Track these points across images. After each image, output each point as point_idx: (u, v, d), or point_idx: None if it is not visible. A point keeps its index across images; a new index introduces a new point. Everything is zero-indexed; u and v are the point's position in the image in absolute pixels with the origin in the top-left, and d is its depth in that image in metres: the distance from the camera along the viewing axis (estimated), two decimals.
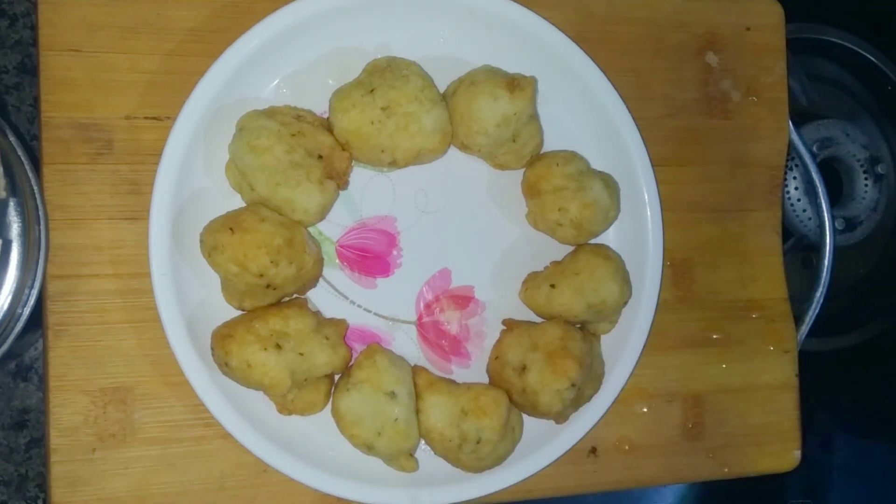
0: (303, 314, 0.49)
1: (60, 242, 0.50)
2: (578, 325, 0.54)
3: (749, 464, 0.62)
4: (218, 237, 0.46)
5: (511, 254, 0.56)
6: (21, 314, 0.48)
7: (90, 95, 0.51)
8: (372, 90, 0.49)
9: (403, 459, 0.50)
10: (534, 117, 0.53)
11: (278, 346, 0.47)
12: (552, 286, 0.53)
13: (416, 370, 0.52)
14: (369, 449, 0.49)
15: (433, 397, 0.50)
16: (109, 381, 0.50)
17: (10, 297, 0.47)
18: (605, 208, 0.53)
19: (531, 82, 0.51)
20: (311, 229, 0.52)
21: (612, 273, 0.53)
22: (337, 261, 0.53)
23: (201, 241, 0.47)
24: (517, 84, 0.51)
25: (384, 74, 0.50)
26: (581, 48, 0.54)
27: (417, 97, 0.50)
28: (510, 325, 0.54)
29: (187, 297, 0.49)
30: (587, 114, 0.55)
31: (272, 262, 0.46)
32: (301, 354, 0.48)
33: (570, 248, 0.55)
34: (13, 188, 0.47)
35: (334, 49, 0.52)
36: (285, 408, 0.50)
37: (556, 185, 0.53)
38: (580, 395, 0.53)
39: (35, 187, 0.48)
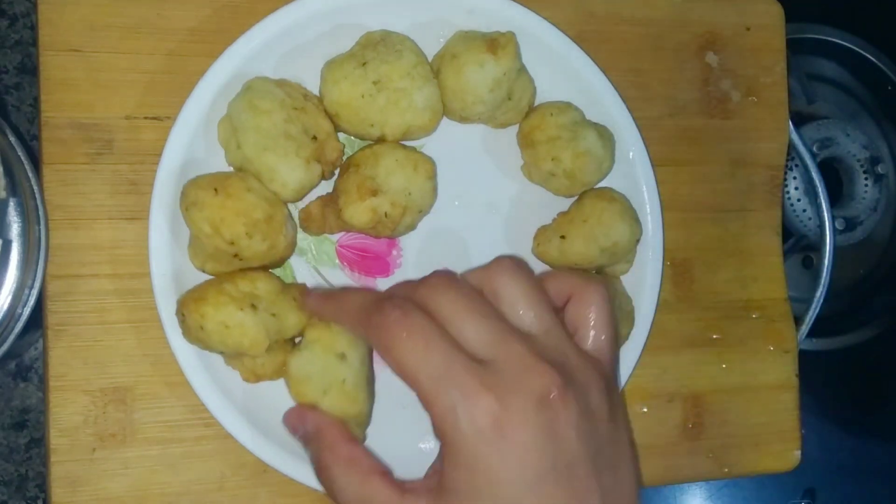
0: (268, 276, 0.48)
1: (60, 242, 0.50)
2: (595, 270, 0.54)
3: (749, 464, 0.62)
4: (200, 194, 0.45)
5: (511, 254, 0.56)
6: (21, 314, 0.48)
7: (90, 95, 0.51)
8: (364, 63, 0.49)
9: (352, 428, 0.48)
10: (522, 70, 0.53)
11: (253, 307, 0.46)
12: (562, 237, 0.53)
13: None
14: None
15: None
16: (109, 381, 0.50)
17: (10, 297, 0.47)
18: (599, 159, 0.53)
19: (511, 38, 0.50)
20: None
21: (619, 213, 0.53)
22: (337, 261, 0.53)
23: (182, 194, 0.46)
24: (498, 44, 0.50)
25: (377, 48, 0.50)
26: (581, 48, 0.55)
27: (410, 73, 0.49)
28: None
29: None
30: (587, 114, 0.55)
31: (247, 233, 0.45)
32: (273, 315, 0.46)
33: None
34: (13, 188, 0.47)
35: (334, 49, 0.52)
36: (254, 373, 0.48)
37: (549, 134, 0.53)
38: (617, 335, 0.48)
39: (35, 187, 0.48)
